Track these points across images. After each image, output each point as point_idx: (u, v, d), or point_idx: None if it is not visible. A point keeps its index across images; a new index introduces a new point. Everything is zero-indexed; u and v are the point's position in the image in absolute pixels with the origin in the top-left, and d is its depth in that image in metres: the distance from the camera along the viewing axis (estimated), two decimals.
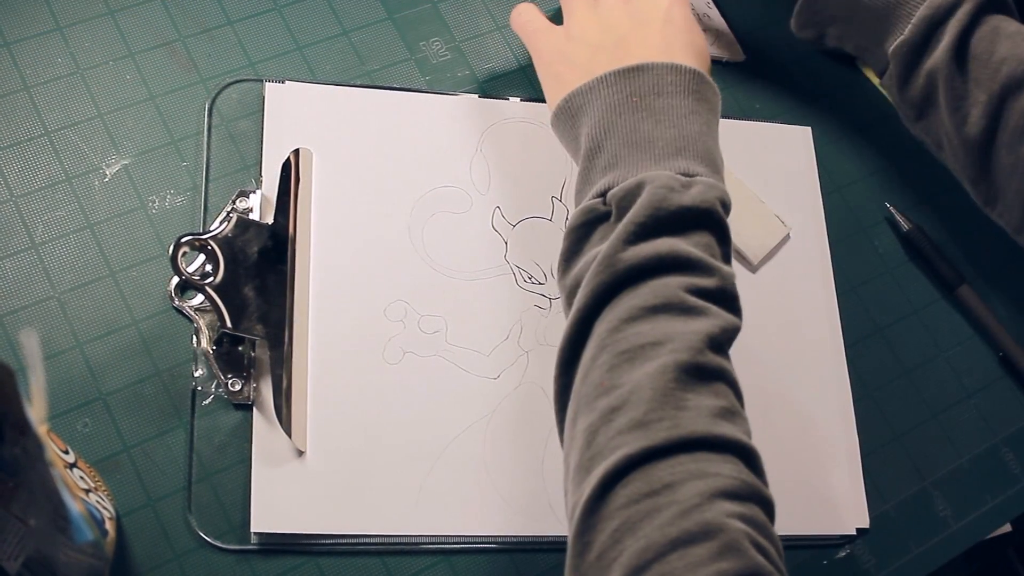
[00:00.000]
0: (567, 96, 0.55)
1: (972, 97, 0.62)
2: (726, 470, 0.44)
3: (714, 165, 0.52)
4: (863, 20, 0.66)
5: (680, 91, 0.53)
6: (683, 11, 0.57)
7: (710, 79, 0.55)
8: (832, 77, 0.74)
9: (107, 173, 0.59)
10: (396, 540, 0.55)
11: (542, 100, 0.66)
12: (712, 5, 0.73)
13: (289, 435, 0.54)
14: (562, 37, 0.59)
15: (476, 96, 0.66)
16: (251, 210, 0.59)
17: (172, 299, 0.57)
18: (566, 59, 0.57)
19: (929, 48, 0.63)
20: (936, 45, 0.63)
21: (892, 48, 0.65)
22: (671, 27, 0.56)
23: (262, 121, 0.61)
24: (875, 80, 0.74)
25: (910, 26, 0.63)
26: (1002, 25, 0.62)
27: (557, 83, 0.57)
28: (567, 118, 0.56)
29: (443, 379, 0.59)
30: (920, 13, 0.63)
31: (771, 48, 0.73)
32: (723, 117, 0.69)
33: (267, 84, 0.62)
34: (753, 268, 0.66)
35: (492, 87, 0.67)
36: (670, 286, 0.48)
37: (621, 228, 0.49)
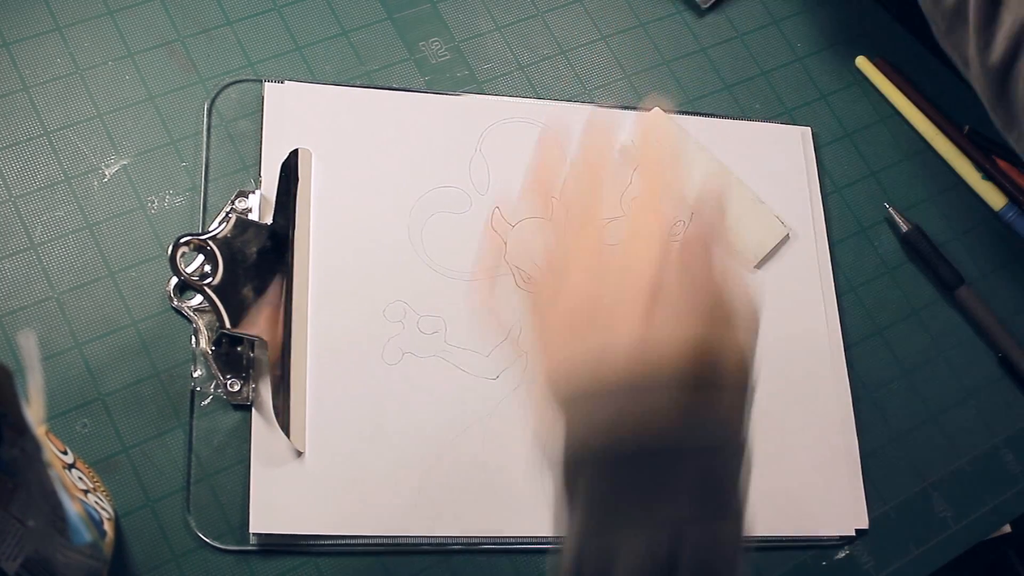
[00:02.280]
0: None
1: (1000, 20, 0.62)
2: None
3: None
4: None
5: None
6: None
7: None
8: (832, 77, 0.74)
9: (106, 173, 0.59)
10: (395, 541, 0.55)
11: (542, 100, 0.66)
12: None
13: (288, 436, 0.54)
14: None
15: (476, 96, 0.66)
16: (250, 210, 0.59)
17: (171, 299, 0.57)
18: None
19: None
20: None
21: None
22: None
23: (261, 121, 0.61)
24: (875, 78, 0.74)
25: None
26: None
27: None
28: None
29: (442, 379, 0.58)
30: None
31: (771, 48, 0.73)
32: (723, 117, 0.70)
33: (266, 84, 0.62)
34: (753, 269, 0.66)
35: (492, 87, 0.66)
36: None
37: None
